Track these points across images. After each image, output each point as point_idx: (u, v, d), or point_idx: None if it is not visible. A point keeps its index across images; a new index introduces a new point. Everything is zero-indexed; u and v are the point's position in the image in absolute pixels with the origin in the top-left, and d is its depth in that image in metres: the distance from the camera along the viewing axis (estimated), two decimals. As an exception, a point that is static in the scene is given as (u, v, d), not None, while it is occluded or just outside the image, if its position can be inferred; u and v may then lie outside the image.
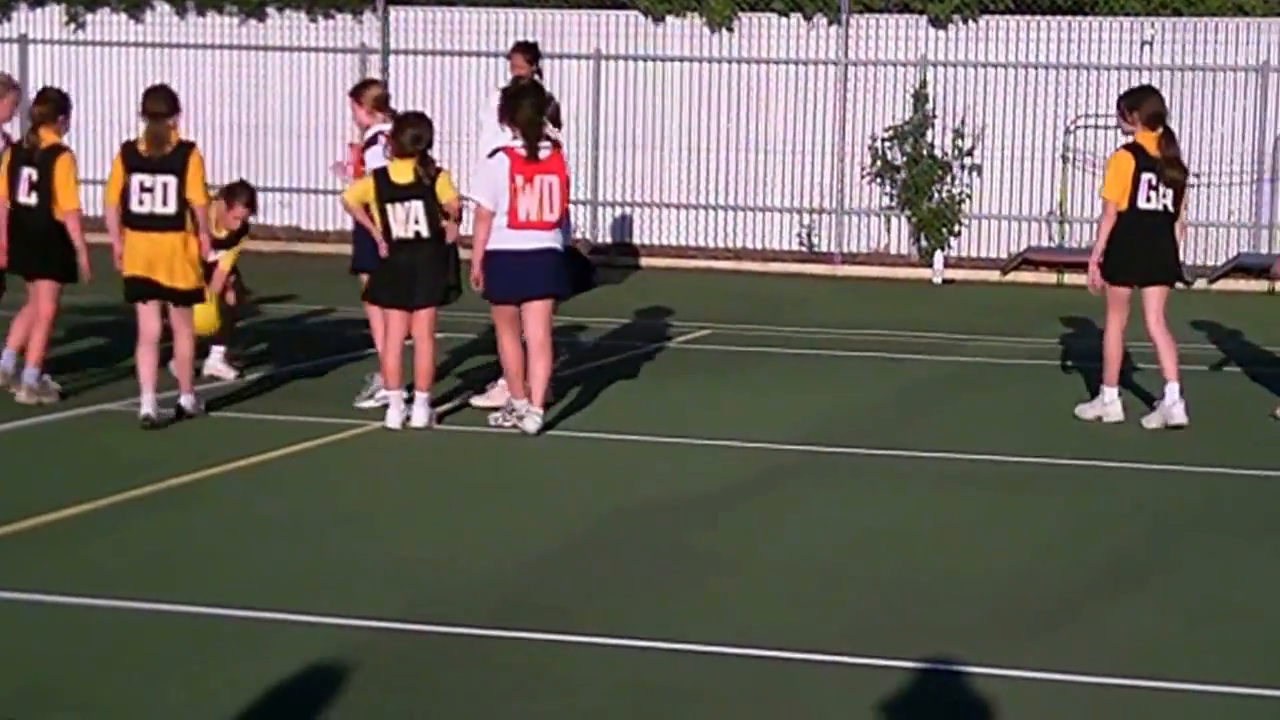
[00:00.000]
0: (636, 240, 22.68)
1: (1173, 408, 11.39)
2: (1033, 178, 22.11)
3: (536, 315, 10.73)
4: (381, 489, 9.34)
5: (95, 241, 11.05)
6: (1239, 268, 21.00)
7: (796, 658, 6.48)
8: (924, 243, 21.81)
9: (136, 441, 10.06)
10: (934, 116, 21.71)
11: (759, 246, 22.50)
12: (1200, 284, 20.66)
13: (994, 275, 20.92)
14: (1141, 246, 11.45)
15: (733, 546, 8.21)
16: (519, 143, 10.69)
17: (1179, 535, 8.64)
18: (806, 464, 10.15)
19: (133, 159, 10.41)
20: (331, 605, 7.00)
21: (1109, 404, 11.58)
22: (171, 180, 10.33)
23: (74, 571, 7.46)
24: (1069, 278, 19.91)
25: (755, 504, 9.12)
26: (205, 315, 11.35)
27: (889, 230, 22.20)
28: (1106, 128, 21.48)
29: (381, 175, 10.77)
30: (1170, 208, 11.46)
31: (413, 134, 10.72)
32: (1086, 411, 11.62)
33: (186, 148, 10.51)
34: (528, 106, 10.79)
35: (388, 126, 11.16)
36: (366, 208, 10.80)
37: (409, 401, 10.72)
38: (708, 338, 15.16)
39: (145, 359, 10.41)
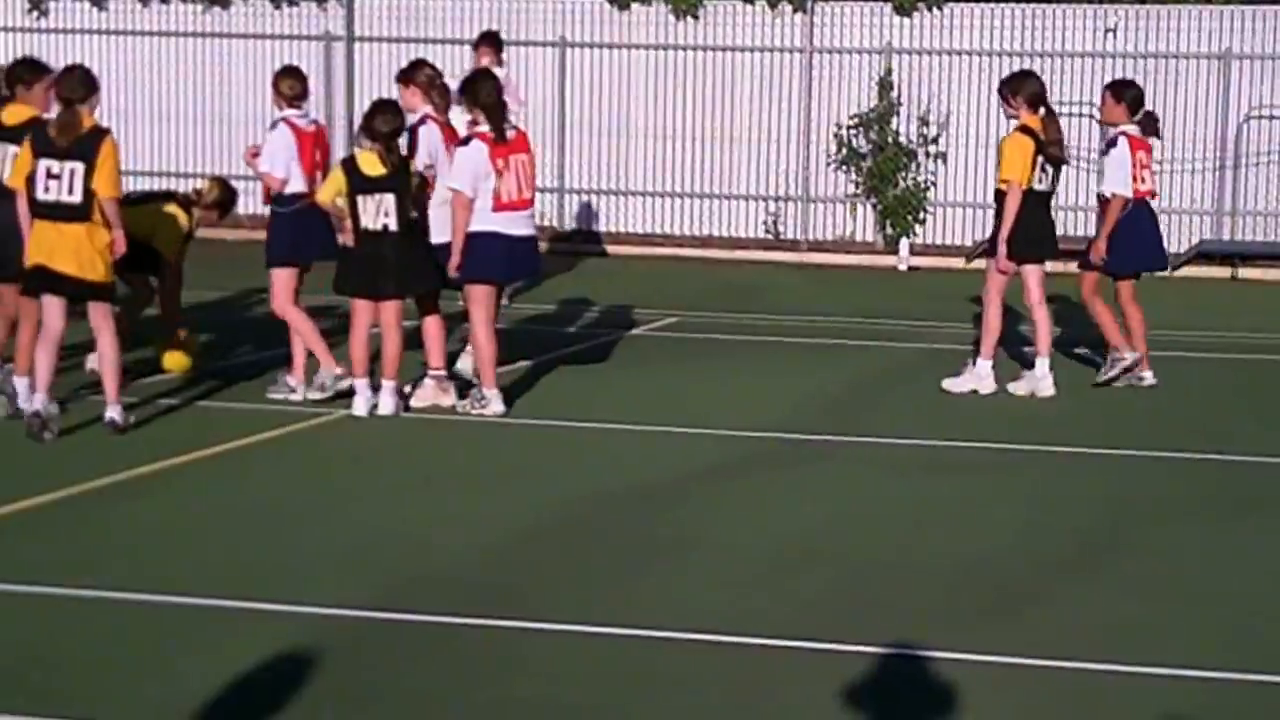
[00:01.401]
0: (603, 228, 22.67)
1: (1043, 380, 11.98)
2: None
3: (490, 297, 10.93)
4: (347, 477, 9.32)
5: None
6: (1201, 254, 21.10)
7: (763, 643, 6.51)
8: (889, 230, 21.85)
9: (97, 431, 10.01)
10: (899, 104, 21.74)
11: (725, 234, 22.51)
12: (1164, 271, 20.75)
13: (959, 263, 20.96)
14: (1044, 225, 12.21)
15: (700, 533, 8.23)
16: (485, 127, 10.72)
17: (1141, 519, 8.70)
18: (772, 451, 10.18)
19: (41, 143, 9.77)
20: (299, 593, 7.00)
21: (1041, 378, 12.02)
22: (80, 167, 9.65)
23: (37, 561, 7.44)
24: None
25: (721, 491, 9.15)
26: (176, 360, 11.36)
27: (854, 217, 22.23)
28: (1070, 115, 21.54)
29: (351, 165, 10.74)
30: (1052, 186, 12.21)
31: (383, 120, 10.69)
32: (1019, 388, 12.02)
33: (99, 134, 9.81)
34: (488, 89, 10.83)
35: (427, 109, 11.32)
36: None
37: (376, 389, 10.73)
38: (674, 325, 15.17)
39: (43, 356, 9.82)
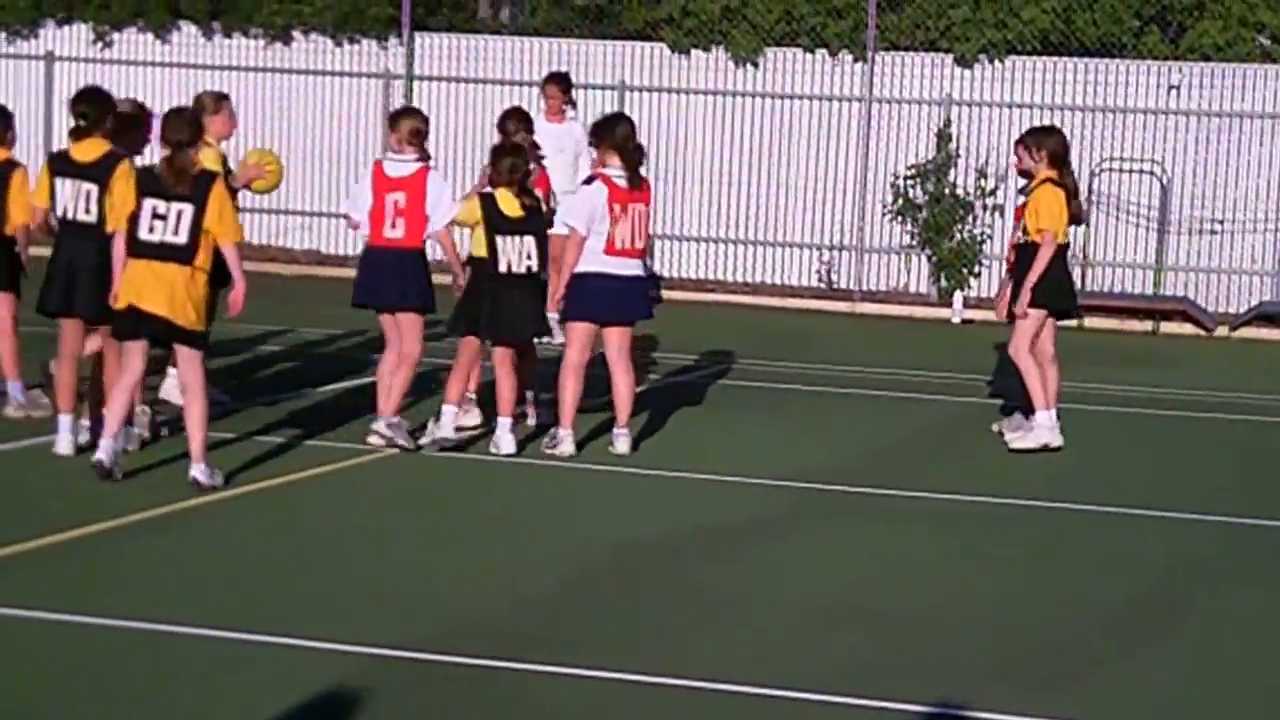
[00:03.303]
0: (656, 272, 22.61)
1: (1052, 430, 11.74)
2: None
3: (623, 337, 10.98)
4: (390, 517, 9.28)
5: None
6: (1261, 315, 20.88)
7: (805, 697, 6.42)
8: (944, 282, 21.71)
9: (137, 462, 9.98)
10: (957, 155, 21.63)
11: (778, 281, 22.43)
12: (1222, 331, 20.57)
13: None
14: (1069, 278, 12.15)
15: (741, 583, 8.14)
16: (615, 171, 10.78)
17: (1189, 584, 8.57)
18: (820, 502, 10.08)
19: (148, 184, 9.41)
20: (339, 631, 6.95)
21: (1051, 428, 11.78)
22: (188, 209, 9.35)
23: (74, 592, 7.42)
24: (1090, 320, 19.79)
25: (766, 541, 9.06)
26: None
27: (909, 269, 22.11)
28: (1132, 171, 21.43)
29: (491, 204, 10.64)
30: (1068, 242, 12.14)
31: (510, 163, 10.68)
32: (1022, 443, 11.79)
33: (210, 177, 9.56)
34: (624, 131, 10.95)
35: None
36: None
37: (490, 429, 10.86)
38: (723, 372, 15.08)
39: (123, 398, 9.51)
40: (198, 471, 9.42)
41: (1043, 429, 11.74)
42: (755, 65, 22.44)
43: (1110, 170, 21.54)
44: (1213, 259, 21.51)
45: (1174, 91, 21.55)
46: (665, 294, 21.80)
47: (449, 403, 10.82)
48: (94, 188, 10.01)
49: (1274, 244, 21.49)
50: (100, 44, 23.92)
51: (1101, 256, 21.49)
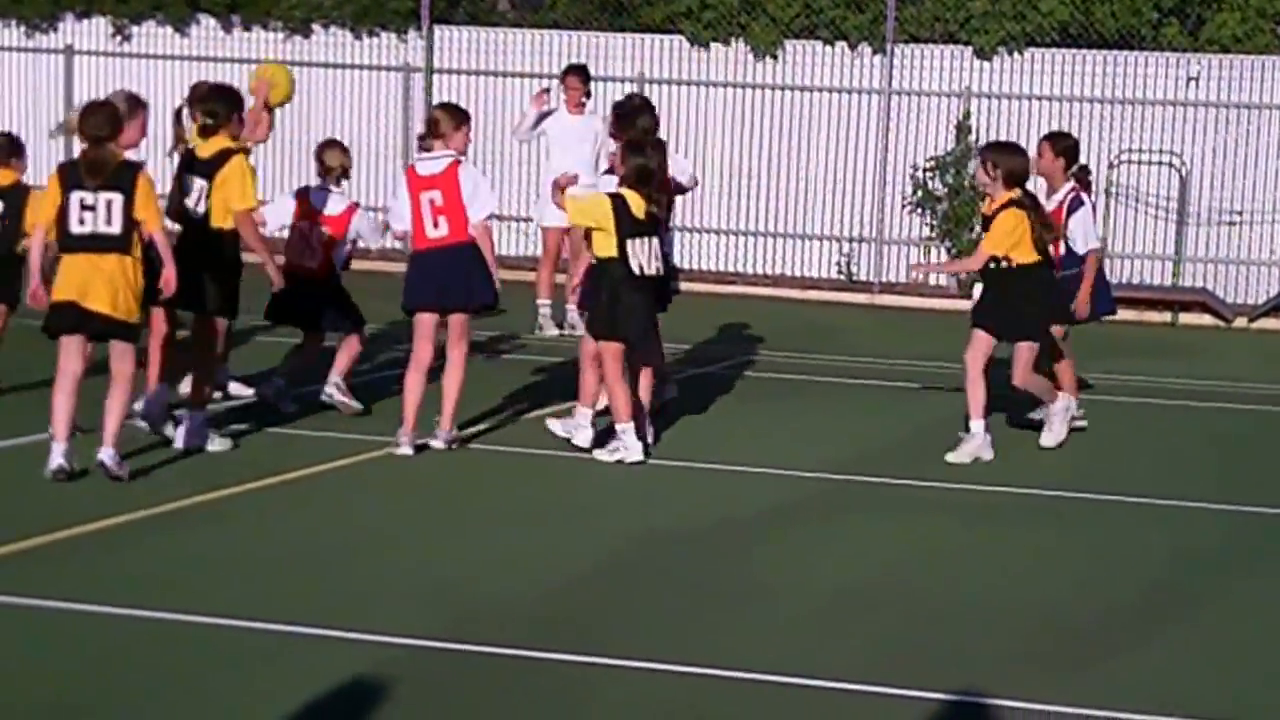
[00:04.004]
0: (676, 264, 22.64)
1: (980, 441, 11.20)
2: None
3: None
4: (418, 508, 9.33)
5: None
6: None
7: (828, 686, 6.46)
8: (964, 275, 21.71)
9: (164, 456, 10.05)
10: (977, 147, 21.63)
11: (797, 274, 22.46)
12: (1241, 322, 20.57)
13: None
14: (1027, 301, 11.30)
15: (767, 573, 8.19)
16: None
17: (1209, 572, 8.60)
18: (841, 493, 10.12)
19: (71, 177, 9.37)
20: (364, 622, 7.00)
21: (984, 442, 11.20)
22: (117, 199, 9.29)
23: (103, 584, 7.47)
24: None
25: (786, 532, 9.10)
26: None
27: (929, 260, 22.12)
28: (1150, 163, 21.42)
29: (623, 207, 10.46)
30: None
31: (640, 165, 10.49)
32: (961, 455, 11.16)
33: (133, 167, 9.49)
34: (646, 123, 11.02)
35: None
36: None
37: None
38: (743, 364, 15.11)
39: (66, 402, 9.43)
40: (106, 455, 9.28)
41: (1068, 411, 11.73)
42: (775, 58, 22.47)
43: (1129, 162, 21.54)
44: (1231, 250, 21.50)
45: (1193, 83, 21.54)
46: (685, 286, 21.85)
47: (622, 422, 10.58)
48: (204, 183, 10.14)
49: (1294, 234, 21.48)
50: (119, 37, 24.00)
51: (1120, 248, 21.48)
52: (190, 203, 10.21)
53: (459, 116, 10.74)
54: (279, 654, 6.62)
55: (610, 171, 11.15)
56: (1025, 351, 11.30)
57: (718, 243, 22.63)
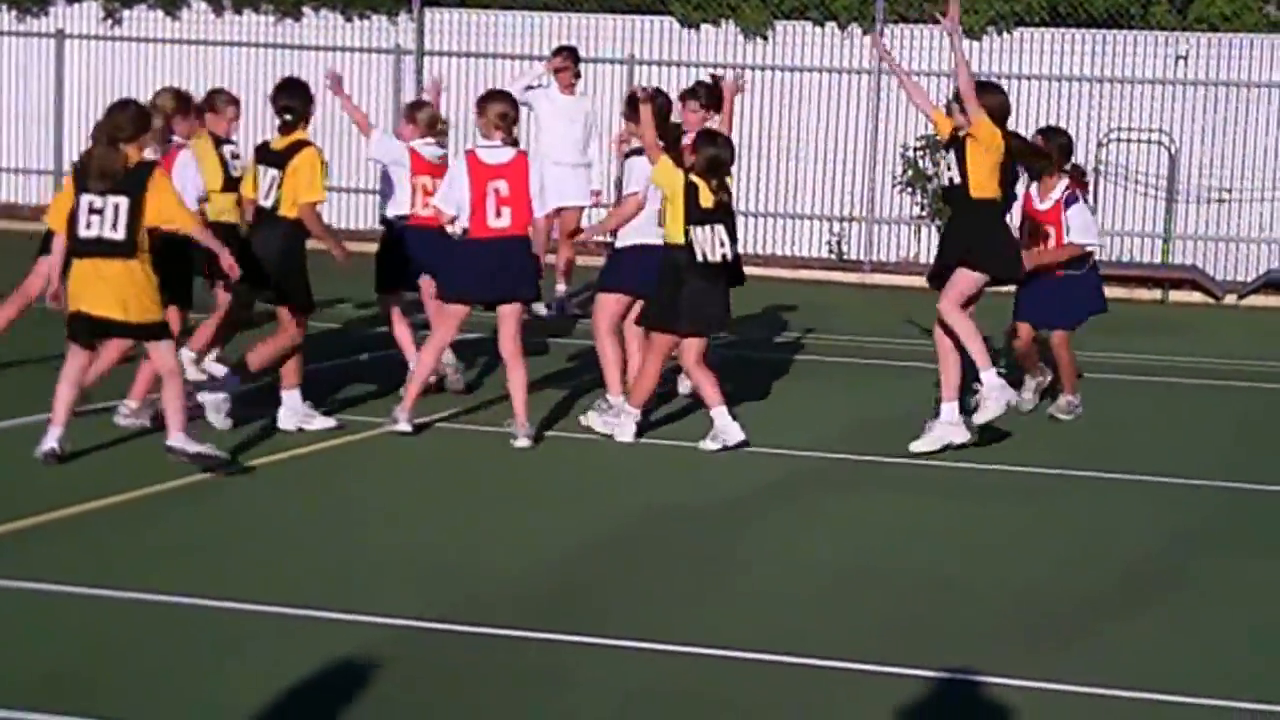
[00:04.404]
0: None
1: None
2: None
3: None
4: (408, 489, 9.37)
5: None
6: (1269, 283, 20.94)
7: (814, 664, 6.50)
8: (954, 253, 21.76)
9: (154, 439, 10.08)
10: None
11: (788, 253, 22.50)
12: (1230, 299, 20.64)
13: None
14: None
15: (757, 551, 8.25)
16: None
17: (1194, 550, 8.66)
18: (831, 471, 10.18)
19: (81, 179, 9.19)
20: (356, 603, 7.04)
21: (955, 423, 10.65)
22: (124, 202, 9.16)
23: (95, 566, 7.50)
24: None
25: (775, 510, 9.16)
26: None
27: (919, 239, 22.19)
28: (1140, 141, 21.47)
29: (691, 191, 10.40)
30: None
31: (712, 155, 10.43)
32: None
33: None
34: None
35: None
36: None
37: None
38: (733, 343, 15.14)
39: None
40: (174, 440, 9.19)
41: (949, 423, 10.69)
42: (765, 38, 22.50)
43: (1119, 140, 21.59)
44: (1221, 228, 21.56)
45: (1181, 61, 21.58)
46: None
47: (632, 406, 10.60)
48: (277, 173, 10.32)
49: (1283, 212, 21.54)
50: (110, 21, 23.99)
51: (1110, 226, 21.53)
52: (261, 193, 10.42)
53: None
54: (271, 635, 6.66)
55: (638, 152, 11.14)
56: (960, 281, 10.85)
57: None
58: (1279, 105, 21.38)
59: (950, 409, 10.64)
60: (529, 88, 15.22)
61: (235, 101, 12.04)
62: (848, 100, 22.28)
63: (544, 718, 5.87)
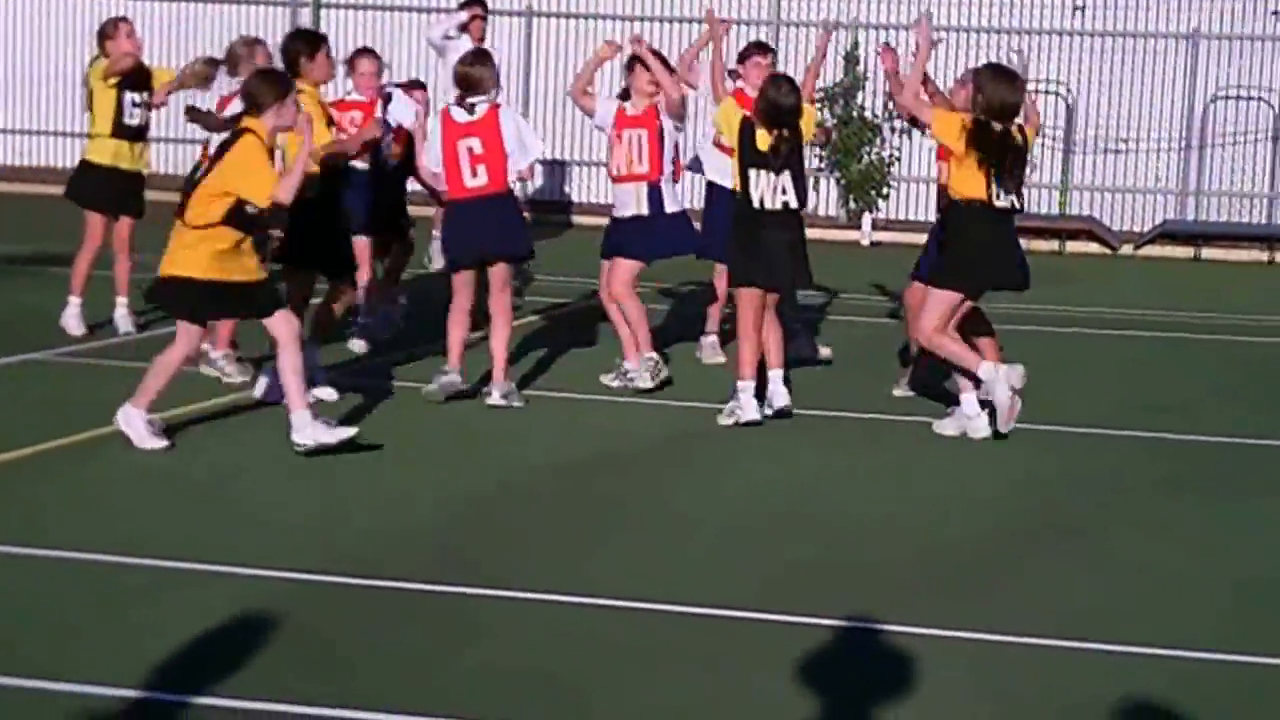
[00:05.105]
0: (570, 198, 22.63)
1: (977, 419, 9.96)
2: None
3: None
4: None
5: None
6: (1165, 234, 21.18)
7: (724, 614, 6.54)
8: (853, 205, 21.86)
9: (45, 395, 9.95)
10: (865, 79, 21.73)
11: (693, 206, 22.42)
12: (1127, 249, 20.84)
13: (922, 238, 20.94)
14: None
15: (663, 504, 8.27)
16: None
17: (1107, 497, 8.76)
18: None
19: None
20: (248, 558, 6.99)
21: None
22: None
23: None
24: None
25: (688, 461, 9.19)
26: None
27: (818, 191, 22.22)
28: (1037, 92, 21.57)
29: (748, 131, 10.09)
30: None
31: (770, 101, 10.06)
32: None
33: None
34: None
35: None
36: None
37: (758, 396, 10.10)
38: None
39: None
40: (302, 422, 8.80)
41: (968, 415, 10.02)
42: (666, -11, 22.42)
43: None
44: (1117, 178, 21.76)
45: (1079, 13, 21.72)
46: (575, 219, 21.89)
47: (744, 379, 10.02)
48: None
49: (1178, 163, 21.77)
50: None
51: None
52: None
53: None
54: (158, 591, 6.60)
55: (624, 95, 11.12)
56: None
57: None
58: (1174, 57, 21.58)
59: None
60: (447, 37, 14.98)
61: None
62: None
63: (443, 670, 5.86)
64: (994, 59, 21.55)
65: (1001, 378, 9.70)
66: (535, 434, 9.74)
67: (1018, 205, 10.04)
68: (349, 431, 8.82)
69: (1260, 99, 21.75)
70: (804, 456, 9.41)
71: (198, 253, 8.69)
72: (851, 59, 21.73)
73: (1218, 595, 7.13)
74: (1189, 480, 9.21)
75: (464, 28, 15.09)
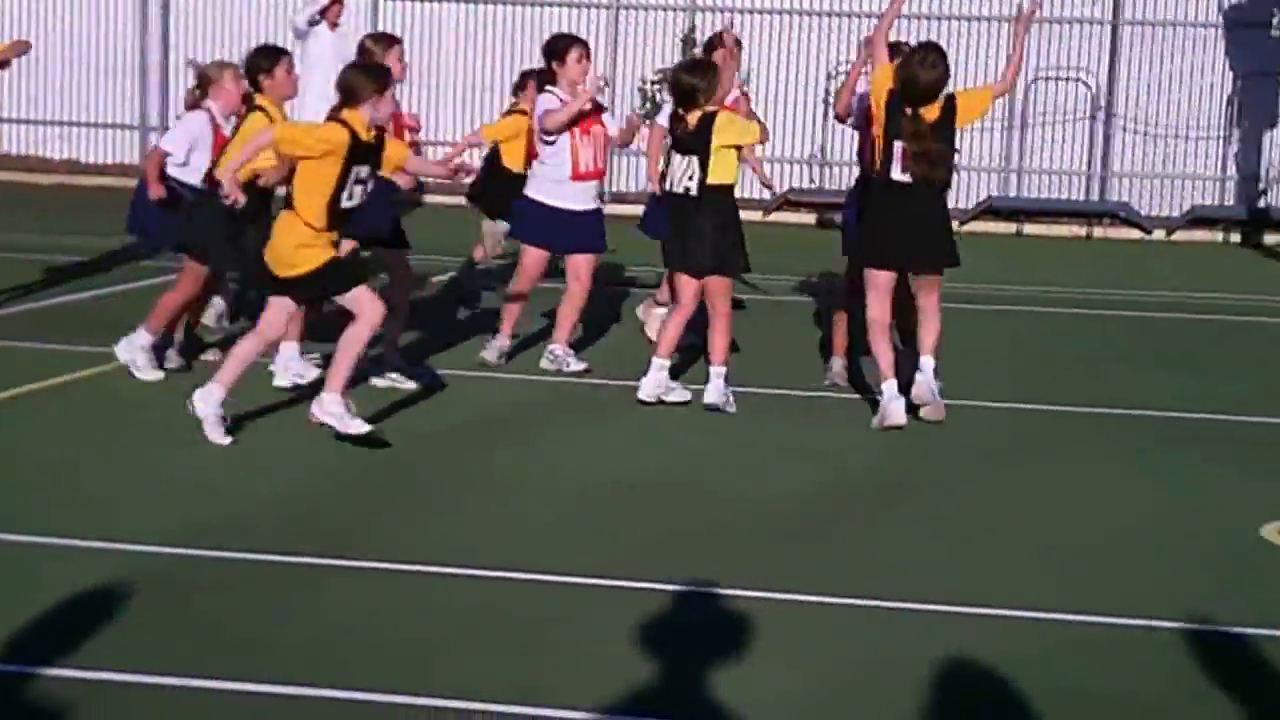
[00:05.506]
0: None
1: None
2: (797, 122, 22.70)
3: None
4: (163, 419, 9.15)
5: None
6: (989, 210, 21.83)
7: (567, 580, 6.68)
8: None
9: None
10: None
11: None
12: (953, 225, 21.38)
13: (757, 215, 21.38)
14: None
15: (513, 473, 8.41)
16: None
17: (940, 462, 9.02)
18: (592, 394, 10.38)
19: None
20: (107, 531, 6.99)
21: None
22: None
23: None
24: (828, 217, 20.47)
25: (539, 433, 9.30)
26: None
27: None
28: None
29: (673, 121, 10.25)
30: None
31: (687, 85, 10.23)
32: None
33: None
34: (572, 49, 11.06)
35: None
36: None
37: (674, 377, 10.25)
38: (482, 274, 15.24)
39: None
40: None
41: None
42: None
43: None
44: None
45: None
46: (428, 199, 22.01)
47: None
48: None
49: (1003, 140, 22.41)
50: None
51: (839, 157, 22.16)
52: None
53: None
54: (17, 565, 6.61)
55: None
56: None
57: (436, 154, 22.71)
58: (998, 39, 22.15)
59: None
60: (312, 22, 14.56)
61: None
62: (586, 34, 22.11)
63: (298, 640, 5.94)
64: (825, 41, 22.05)
65: (891, 408, 9.65)
66: (399, 407, 9.74)
67: (931, 183, 9.81)
68: (364, 427, 8.80)
69: (1079, 80, 22.46)
70: (655, 429, 9.53)
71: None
72: (689, 41, 22.01)
73: (1048, 553, 7.38)
74: (1016, 445, 9.48)
75: (323, 13, 14.85)
